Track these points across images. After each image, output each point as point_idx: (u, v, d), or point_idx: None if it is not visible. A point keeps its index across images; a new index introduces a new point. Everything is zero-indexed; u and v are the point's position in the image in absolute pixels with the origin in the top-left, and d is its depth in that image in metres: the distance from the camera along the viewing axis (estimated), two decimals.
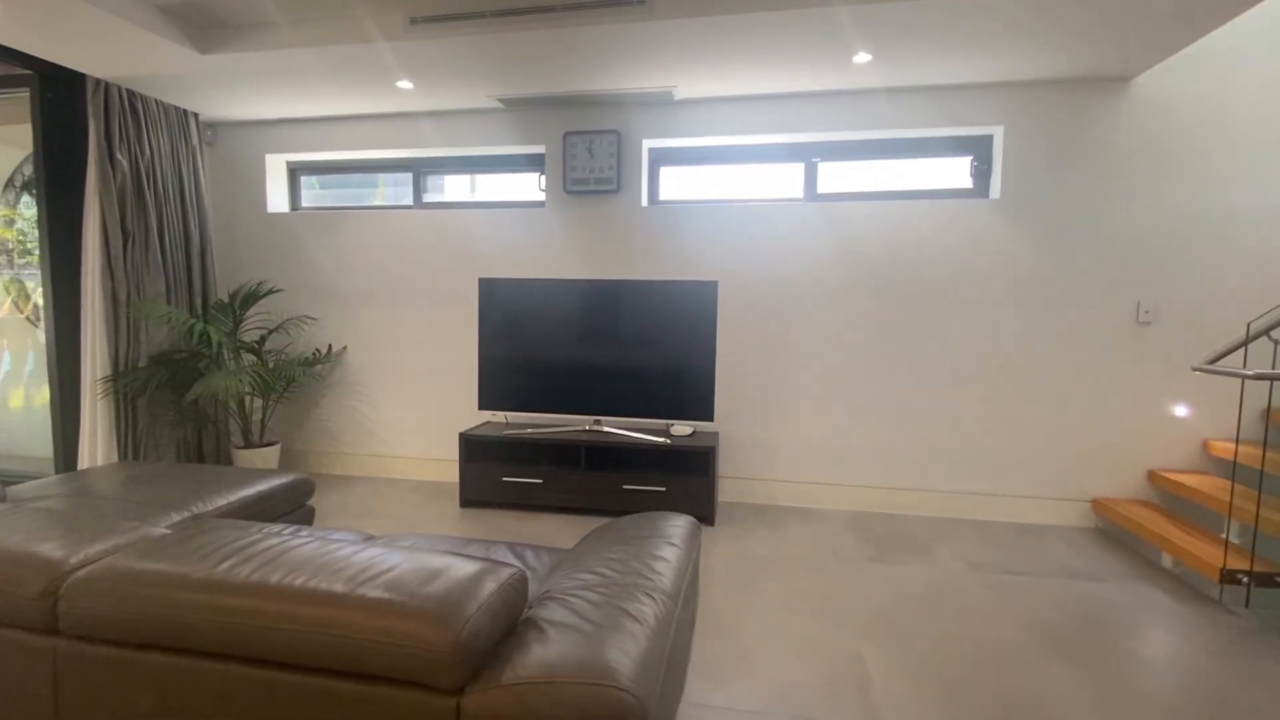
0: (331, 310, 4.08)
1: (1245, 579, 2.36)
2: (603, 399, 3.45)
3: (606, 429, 3.53)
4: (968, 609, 2.37)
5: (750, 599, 2.43)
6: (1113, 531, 3.23)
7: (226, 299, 3.83)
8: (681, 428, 3.48)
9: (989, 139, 3.40)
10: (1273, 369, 2.32)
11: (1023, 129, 3.25)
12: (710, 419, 3.36)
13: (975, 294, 3.34)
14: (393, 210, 3.96)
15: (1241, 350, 2.47)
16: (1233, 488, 2.69)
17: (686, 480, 3.22)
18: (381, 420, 4.06)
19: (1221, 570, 2.39)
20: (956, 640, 2.14)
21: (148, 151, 3.53)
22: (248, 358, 3.82)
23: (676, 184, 3.79)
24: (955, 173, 3.53)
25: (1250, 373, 2.28)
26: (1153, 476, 3.22)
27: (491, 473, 3.43)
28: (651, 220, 3.65)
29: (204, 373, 3.60)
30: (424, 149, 3.90)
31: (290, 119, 4.01)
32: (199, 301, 3.83)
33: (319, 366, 3.99)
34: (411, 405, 4.02)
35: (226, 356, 3.62)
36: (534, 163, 3.87)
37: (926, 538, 3.11)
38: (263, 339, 3.85)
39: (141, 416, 3.52)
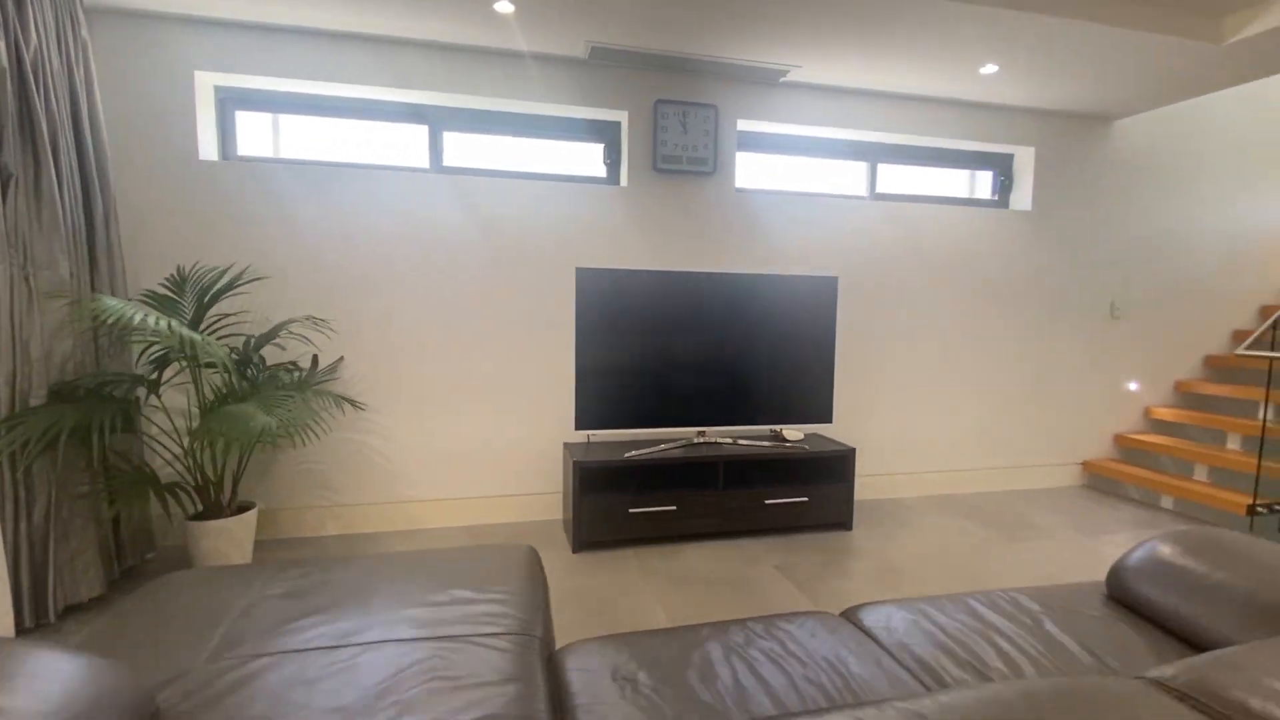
0: (311, 307, 2.89)
1: (1265, 510, 3.16)
2: (710, 407, 3.08)
3: (716, 439, 3.17)
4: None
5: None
6: (1100, 484, 4.01)
7: (167, 287, 2.43)
8: (793, 432, 3.30)
9: (1010, 156, 3.89)
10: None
11: (1047, 151, 3.78)
12: (829, 420, 3.25)
13: (1002, 294, 3.80)
14: (400, 172, 2.94)
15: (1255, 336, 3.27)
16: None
17: (824, 487, 3.08)
18: (401, 455, 3.03)
19: (1250, 506, 3.15)
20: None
21: (34, 37, 2.06)
22: (219, 378, 2.50)
23: (751, 171, 3.55)
24: (970, 183, 3.96)
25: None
26: (1118, 439, 4.08)
27: (614, 506, 2.83)
28: (744, 207, 3.36)
29: (131, 408, 2.25)
30: (441, 94, 2.97)
31: (234, 22, 2.70)
32: (106, 293, 2.36)
33: (312, 385, 2.80)
34: (447, 432, 3.08)
35: (234, 381, 2.32)
36: (599, 132, 3.25)
37: (1014, 509, 3.48)
38: (247, 346, 2.55)
39: (39, 494, 2.07)
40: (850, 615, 1.50)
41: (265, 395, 2.28)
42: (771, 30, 2.70)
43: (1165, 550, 1.50)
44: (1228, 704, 0.82)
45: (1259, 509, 3.15)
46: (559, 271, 3.13)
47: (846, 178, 3.73)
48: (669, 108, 3.16)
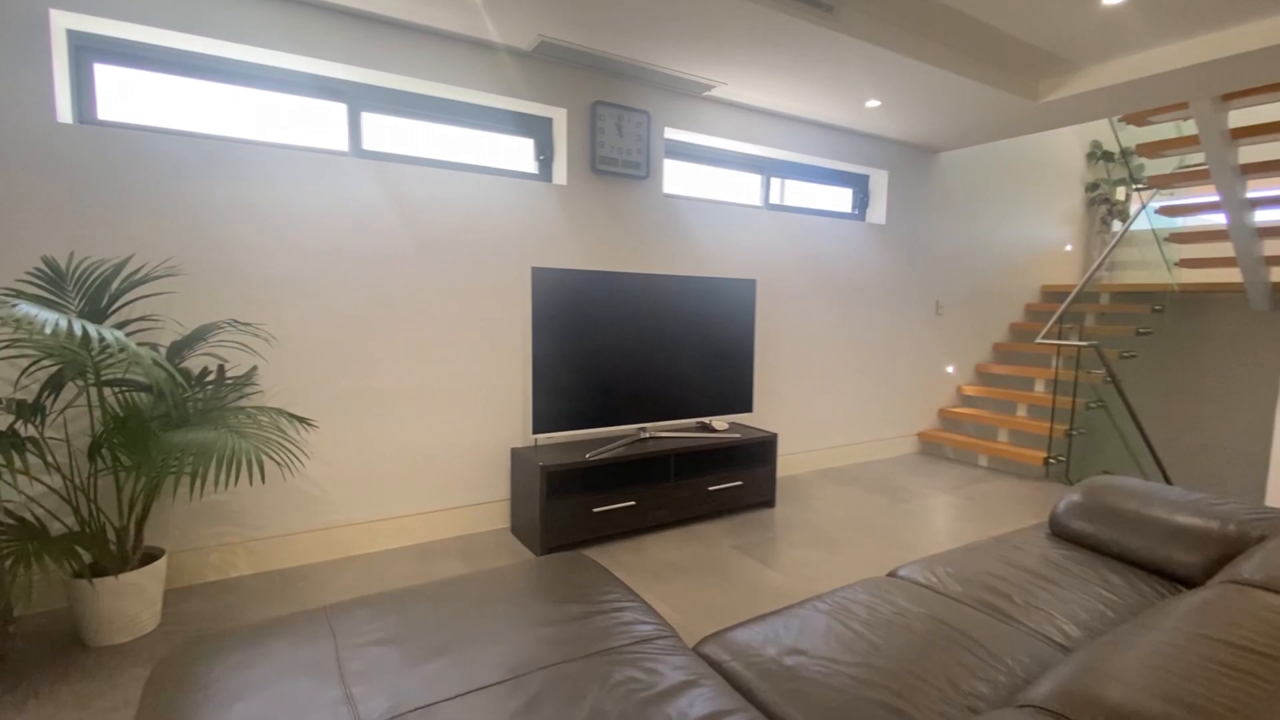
0: (223, 309, 2.43)
1: (1054, 461, 4.16)
2: (651, 403, 3.22)
3: (655, 434, 3.31)
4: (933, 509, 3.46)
5: (836, 541, 2.94)
6: (931, 450, 4.91)
7: (39, 283, 1.87)
8: (719, 422, 3.56)
9: (867, 177, 4.56)
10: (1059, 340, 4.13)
11: (896, 174, 4.51)
12: (750, 409, 3.57)
13: (863, 295, 4.47)
14: (316, 154, 2.59)
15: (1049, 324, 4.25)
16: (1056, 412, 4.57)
17: (754, 470, 3.38)
18: (326, 474, 2.68)
19: (1044, 459, 4.13)
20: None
21: None
22: (127, 395, 1.98)
23: (673, 178, 3.71)
24: (840, 198, 4.59)
25: (1081, 343, 4.01)
26: (941, 412, 5.02)
27: (579, 507, 2.83)
28: (671, 212, 3.52)
29: (14, 444, 1.74)
30: (359, 69, 2.68)
31: None
32: None
33: (219, 395, 2.34)
34: (381, 446, 2.79)
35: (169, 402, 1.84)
36: (529, 127, 3.17)
37: (884, 475, 4.12)
38: (170, 357, 2.05)
39: None
40: (897, 576, 1.76)
41: (212, 415, 1.89)
42: (704, 47, 2.87)
43: (1092, 496, 1.99)
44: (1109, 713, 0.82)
45: (1050, 460, 4.15)
46: (499, 270, 3.00)
47: (748, 189, 4.08)
48: (607, 110, 3.19)
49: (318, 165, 2.58)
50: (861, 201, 4.58)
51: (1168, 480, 4.07)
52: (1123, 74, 3.18)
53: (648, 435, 3.26)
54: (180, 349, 2.10)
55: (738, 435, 3.36)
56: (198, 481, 1.88)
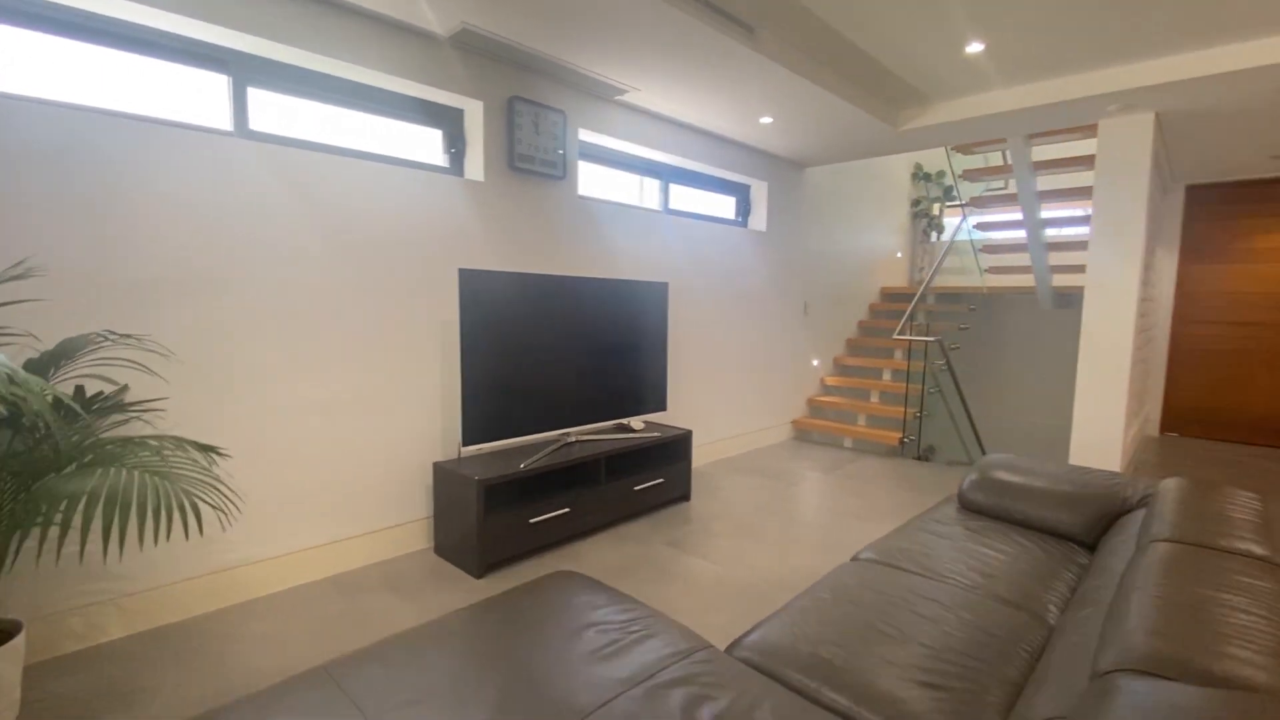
0: (79, 318, 1.96)
1: (906, 442, 4.80)
2: (576, 407, 3.20)
3: (585, 438, 3.29)
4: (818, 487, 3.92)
5: (753, 523, 3.25)
6: (803, 435, 5.41)
7: None
8: (637, 422, 3.61)
9: (749, 187, 4.89)
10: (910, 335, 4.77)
11: (774, 185, 4.88)
12: (664, 408, 3.67)
13: (749, 297, 4.81)
14: (194, 132, 2.20)
15: (902, 323, 4.86)
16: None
17: (673, 467, 3.49)
18: (243, 506, 2.29)
19: (900, 439, 4.75)
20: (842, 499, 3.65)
21: None
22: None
23: (584, 181, 3.67)
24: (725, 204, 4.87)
25: (928, 338, 4.63)
26: (809, 401, 5.55)
27: (516, 519, 2.72)
28: (586, 214, 3.49)
29: None
30: (246, 36, 2.33)
31: None
32: None
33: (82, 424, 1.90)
34: (281, 472, 2.45)
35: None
36: (437, 117, 2.96)
37: (772, 462, 4.47)
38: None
39: None
40: (861, 560, 1.94)
41: (105, 450, 1.53)
42: (625, 52, 2.88)
43: (989, 475, 2.35)
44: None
45: (903, 440, 4.78)
46: (413, 270, 2.77)
47: (649, 194, 4.17)
48: (524, 106, 3.08)
49: (196, 145, 2.19)
50: (744, 210, 4.90)
51: (982, 449, 4.91)
52: (966, 111, 3.76)
53: (573, 440, 3.22)
54: (44, 368, 1.67)
55: (658, 434, 3.44)
56: (111, 538, 1.51)
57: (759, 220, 4.88)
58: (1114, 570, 1.58)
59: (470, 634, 1.40)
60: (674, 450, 3.57)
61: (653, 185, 4.20)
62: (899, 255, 6.86)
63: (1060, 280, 5.38)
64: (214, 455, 2.03)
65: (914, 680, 1.29)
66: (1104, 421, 3.85)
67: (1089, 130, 4.16)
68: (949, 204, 6.99)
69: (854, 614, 1.53)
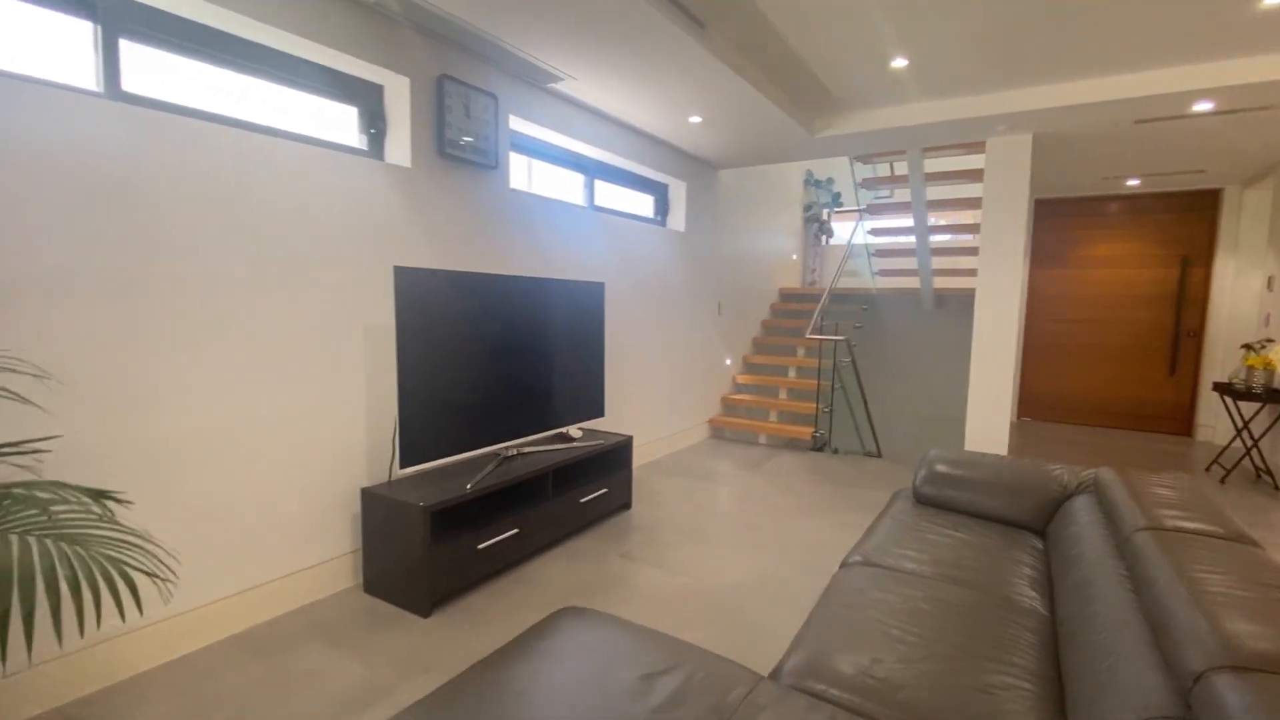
0: None
1: (818, 436, 5.01)
2: (518, 418, 2.97)
3: (527, 450, 3.05)
4: (742, 479, 4.03)
5: (699, 524, 3.28)
6: (720, 434, 5.48)
7: None
8: (575, 430, 3.43)
9: (666, 186, 4.85)
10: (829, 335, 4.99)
11: (692, 186, 4.88)
12: (602, 414, 3.52)
13: (670, 297, 4.78)
14: (50, 89, 1.72)
15: (815, 323, 5.06)
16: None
17: (616, 475, 3.36)
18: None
19: (812, 434, 4.96)
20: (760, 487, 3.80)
21: None
22: None
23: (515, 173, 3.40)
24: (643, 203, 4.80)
25: (838, 337, 4.85)
26: (723, 399, 5.64)
27: (464, 547, 2.45)
28: (518, 208, 3.24)
29: None
30: None
31: None
32: None
33: None
34: (180, 514, 2.01)
35: None
36: (352, 91, 2.60)
37: (697, 463, 4.47)
38: None
39: None
40: (854, 566, 1.94)
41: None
42: (569, 36, 2.69)
43: (939, 468, 2.47)
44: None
45: (815, 435, 5.00)
46: (331, 268, 2.40)
47: (573, 189, 3.98)
48: (454, 87, 2.78)
49: (50, 104, 1.72)
50: (662, 209, 4.85)
51: (876, 441, 5.27)
52: (876, 123, 3.97)
53: (514, 453, 2.98)
54: None
55: (601, 441, 3.28)
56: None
57: (678, 220, 4.85)
58: (1090, 559, 1.68)
59: (490, 706, 1.19)
60: (617, 458, 3.43)
61: (577, 180, 4.02)
62: (794, 257, 7.19)
63: (940, 283, 5.90)
64: (108, 502, 1.60)
65: (971, 687, 1.27)
66: (993, 410, 4.25)
67: (974, 147, 4.57)
68: (837, 209, 7.45)
69: (881, 624, 1.50)
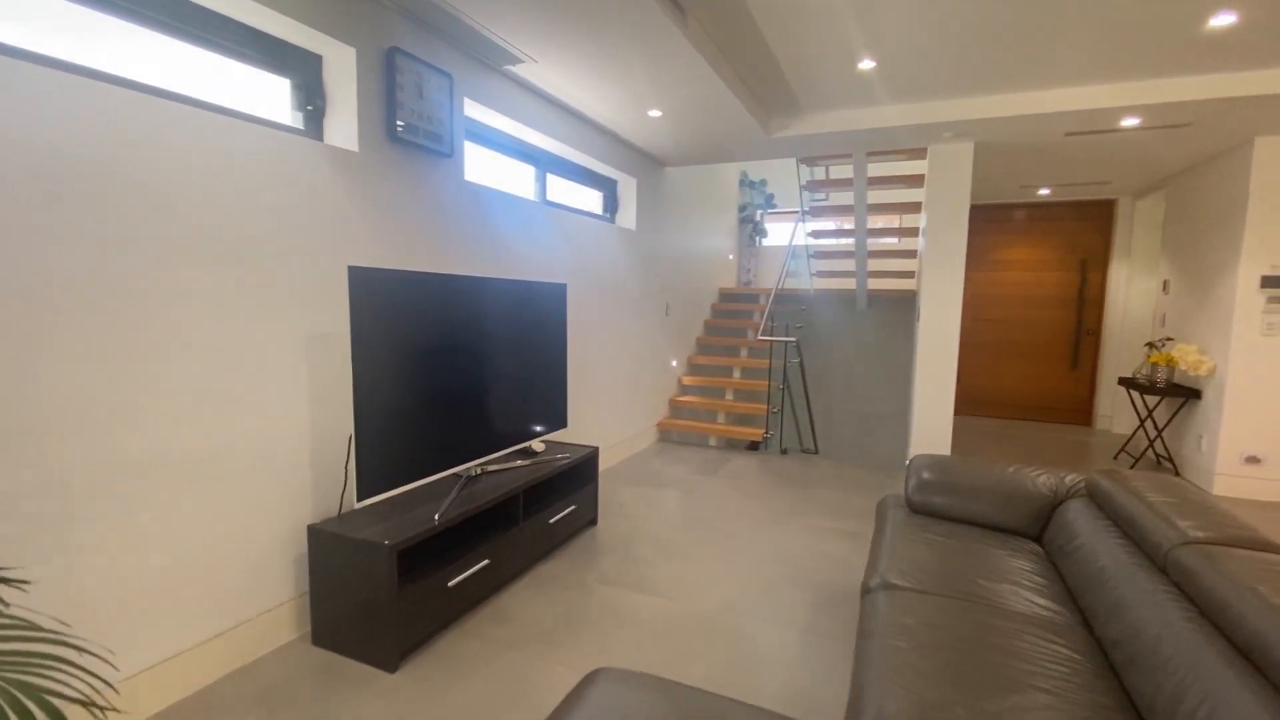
0: None
1: (768, 437, 4.99)
2: (481, 433, 2.69)
3: (491, 469, 2.77)
4: (698, 482, 3.97)
5: (663, 536, 3.18)
6: (669, 437, 5.35)
7: None
8: (538, 444, 3.17)
9: (615, 182, 4.65)
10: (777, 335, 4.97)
11: (642, 183, 4.70)
12: (565, 425, 3.28)
13: (627, 298, 4.59)
14: None
15: (767, 325, 5.02)
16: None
17: (582, 490, 3.13)
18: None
19: (763, 435, 4.93)
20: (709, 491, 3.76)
21: None
22: None
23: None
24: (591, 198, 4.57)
25: (789, 339, 4.83)
26: (671, 402, 5.53)
27: (433, 586, 2.15)
28: (473, 203, 2.93)
29: None
30: None
31: None
32: None
33: None
34: (81, 571, 1.60)
35: None
36: (284, 59, 2.22)
37: (653, 469, 4.31)
38: None
39: None
40: (876, 591, 1.84)
41: None
42: (535, 12, 2.47)
43: (928, 475, 2.44)
44: None
45: (766, 436, 4.98)
46: (265, 266, 2.03)
47: (523, 182, 3.70)
48: (407, 62, 2.45)
49: None
50: (611, 206, 4.64)
51: (815, 439, 5.34)
52: (829, 125, 3.97)
53: (478, 473, 2.69)
54: None
55: (567, 455, 3.05)
56: None
57: (628, 217, 4.67)
58: (1119, 575, 1.67)
59: None
60: (584, 472, 3.20)
61: (528, 173, 3.74)
62: (730, 257, 7.20)
63: (874, 284, 6.08)
64: (11, 586, 1.19)
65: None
66: (938, 408, 4.39)
67: (915, 153, 4.70)
68: (770, 210, 7.53)
69: (946, 662, 1.40)
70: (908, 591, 1.76)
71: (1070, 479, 2.27)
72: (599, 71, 3.04)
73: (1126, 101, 3.40)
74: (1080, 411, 6.52)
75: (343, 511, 2.24)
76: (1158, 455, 4.78)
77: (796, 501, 3.78)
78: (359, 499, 2.04)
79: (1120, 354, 6.17)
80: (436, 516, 2.19)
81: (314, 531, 2.08)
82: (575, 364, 3.94)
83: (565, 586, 2.61)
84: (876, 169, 5.95)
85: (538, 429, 3.05)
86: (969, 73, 3.30)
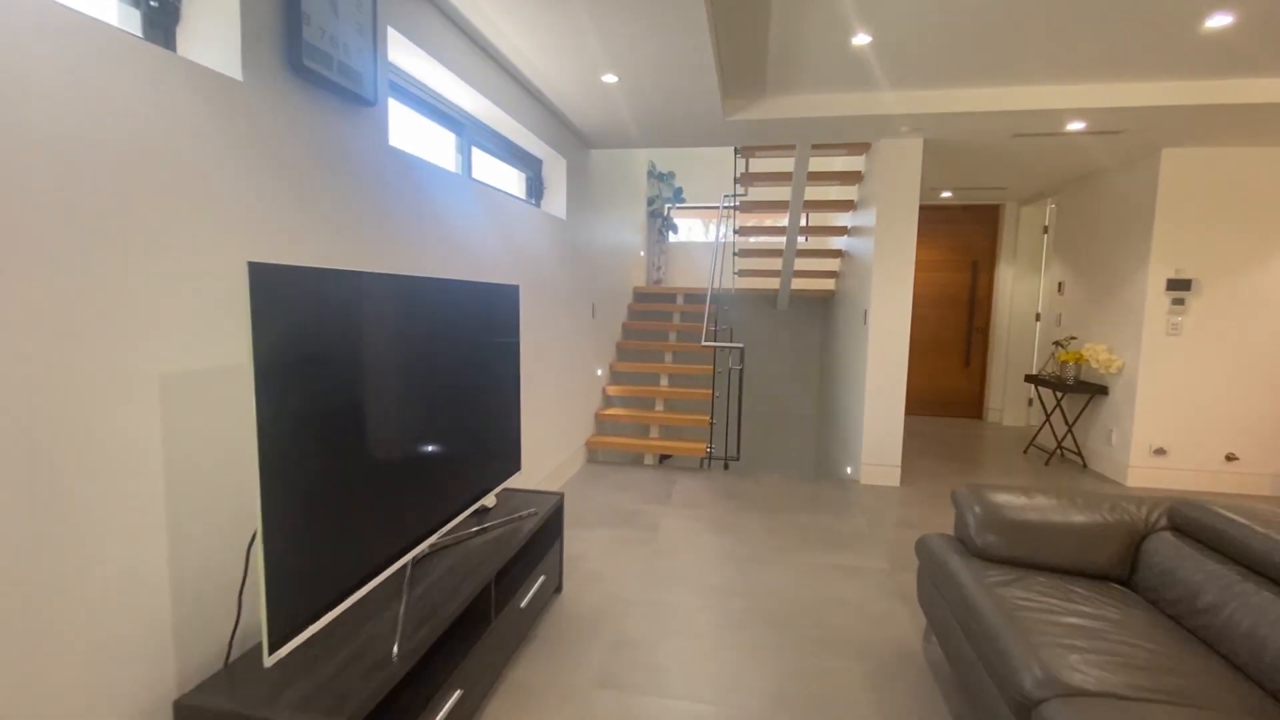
0: None
1: (710, 453, 4.56)
2: (427, 500, 1.91)
3: (444, 545, 2.00)
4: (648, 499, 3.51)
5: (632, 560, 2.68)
6: (600, 457, 4.73)
7: None
8: (491, 499, 2.42)
9: (541, 161, 3.93)
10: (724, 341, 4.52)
11: (572, 164, 4.02)
12: (519, 468, 2.56)
13: (555, 298, 3.89)
14: None
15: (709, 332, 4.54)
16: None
17: (547, 557, 2.44)
18: None
19: (707, 451, 4.49)
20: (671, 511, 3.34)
21: None
22: None
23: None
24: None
25: (737, 345, 4.39)
26: (598, 416, 4.90)
27: None
28: (399, 173, 2.12)
29: None
30: None
31: None
32: None
33: None
34: None
35: None
36: None
37: (598, 502, 3.69)
38: None
39: None
40: (1043, 701, 1.41)
41: None
42: None
43: (1001, 515, 2.09)
44: None
45: (709, 450, 4.54)
46: (90, 258, 1.15)
47: (444, 150, 2.90)
48: None
49: None
50: (536, 189, 3.92)
51: (739, 446, 5.05)
52: (787, 110, 3.59)
53: (428, 551, 1.92)
54: None
55: (531, 511, 2.35)
56: None
57: (556, 203, 3.97)
58: (1267, 639, 1.39)
59: None
60: (550, 529, 2.51)
61: (449, 141, 2.94)
62: (641, 254, 6.69)
63: (798, 284, 5.89)
64: None
65: None
66: (890, 410, 4.22)
67: (855, 149, 4.49)
68: (679, 205, 7.13)
69: None
70: (1108, 700, 1.34)
71: (1148, 511, 2.03)
72: (554, 17, 2.36)
73: (1074, 104, 3.36)
74: (972, 405, 6.87)
75: (233, 659, 1.40)
76: (1062, 448, 5.03)
77: (771, 532, 3.36)
78: (272, 649, 1.22)
79: (1008, 351, 6.56)
80: (394, 651, 1.43)
81: (183, 709, 1.24)
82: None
83: (556, 699, 1.94)
84: (812, 165, 5.75)
85: (492, 478, 2.31)
86: (947, 64, 3.06)
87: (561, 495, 2.55)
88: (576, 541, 3.16)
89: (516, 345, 2.47)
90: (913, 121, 3.69)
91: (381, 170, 2.01)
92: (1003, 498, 2.13)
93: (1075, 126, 3.69)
